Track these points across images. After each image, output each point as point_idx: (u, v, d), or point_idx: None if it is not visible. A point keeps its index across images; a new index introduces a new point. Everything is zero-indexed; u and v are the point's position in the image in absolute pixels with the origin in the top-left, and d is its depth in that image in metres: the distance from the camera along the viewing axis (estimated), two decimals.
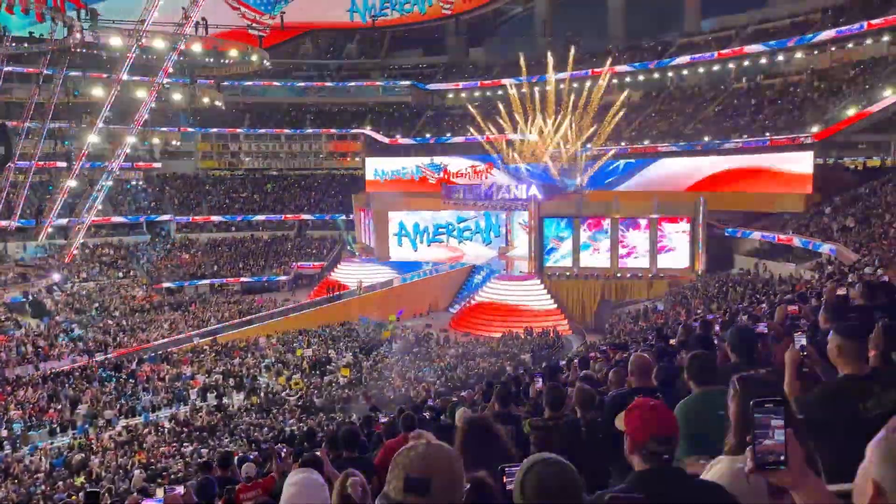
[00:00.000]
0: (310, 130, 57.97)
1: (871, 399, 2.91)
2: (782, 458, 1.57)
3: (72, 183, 43.82)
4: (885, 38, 38.23)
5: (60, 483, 18.54)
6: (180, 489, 5.77)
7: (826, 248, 29.76)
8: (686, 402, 3.67)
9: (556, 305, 38.20)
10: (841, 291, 8.94)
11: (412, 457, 1.76)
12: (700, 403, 3.59)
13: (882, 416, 2.88)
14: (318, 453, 5.44)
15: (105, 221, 47.87)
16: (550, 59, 46.13)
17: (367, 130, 56.98)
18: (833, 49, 41.36)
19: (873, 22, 36.88)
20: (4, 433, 22.90)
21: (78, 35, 34.35)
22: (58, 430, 23.79)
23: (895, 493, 1.34)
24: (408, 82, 59.31)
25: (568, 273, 39.40)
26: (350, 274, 44.14)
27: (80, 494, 16.03)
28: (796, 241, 32.82)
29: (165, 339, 33.90)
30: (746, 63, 44.90)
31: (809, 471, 1.64)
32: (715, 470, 2.46)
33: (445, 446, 1.81)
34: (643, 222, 38.09)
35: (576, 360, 11.94)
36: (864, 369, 3.10)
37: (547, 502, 1.88)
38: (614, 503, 2.07)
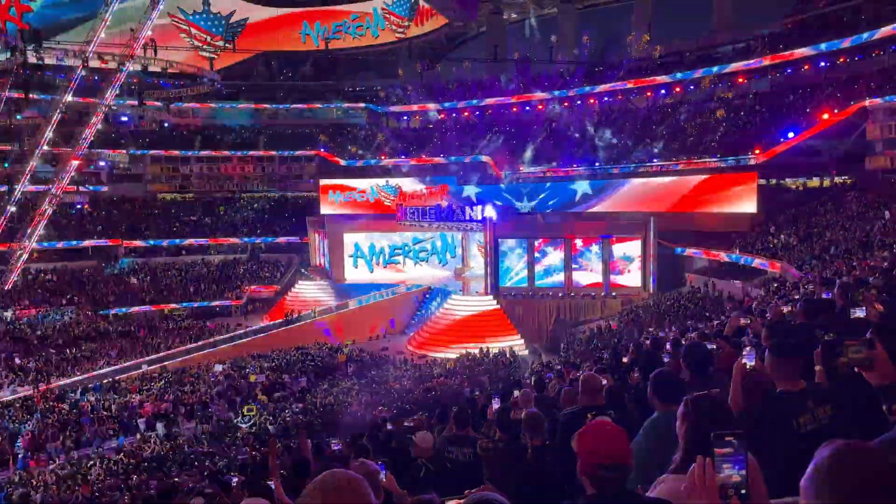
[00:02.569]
0: (262, 152, 57.32)
1: (804, 415, 2.97)
2: (743, 491, 1.56)
3: (12, 208, 42.40)
4: (822, 64, 39.93)
5: None
6: None
7: (758, 262, 31.09)
8: (651, 421, 3.68)
9: (512, 325, 38.34)
10: (786, 309, 9.21)
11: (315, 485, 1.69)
12: (663, 423, 3.58)
13: (815, 432, 2.96)
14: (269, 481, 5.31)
15: (48, 247, 46.25)
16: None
17: (322, 152, 56.67)
18: (773, 74, 42.95)
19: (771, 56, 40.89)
20: None
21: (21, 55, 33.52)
22: None
23: None
24: (362, 104, 59.35)
25: (524, 293, 39.66)
26: (302, 299, 43.59)
27: None
28: (724, 257, 34.22)
29: (112, 368, 32.81)
30: (692, 87, 46.29)
31: None
32: (659, 489, 2.46)
33: (352, 476, 1.73)
34: (596, 242, 38.68)
35: (531, 381, 11.99)
36: (798, 386, 3.16)
37: None
38: None
